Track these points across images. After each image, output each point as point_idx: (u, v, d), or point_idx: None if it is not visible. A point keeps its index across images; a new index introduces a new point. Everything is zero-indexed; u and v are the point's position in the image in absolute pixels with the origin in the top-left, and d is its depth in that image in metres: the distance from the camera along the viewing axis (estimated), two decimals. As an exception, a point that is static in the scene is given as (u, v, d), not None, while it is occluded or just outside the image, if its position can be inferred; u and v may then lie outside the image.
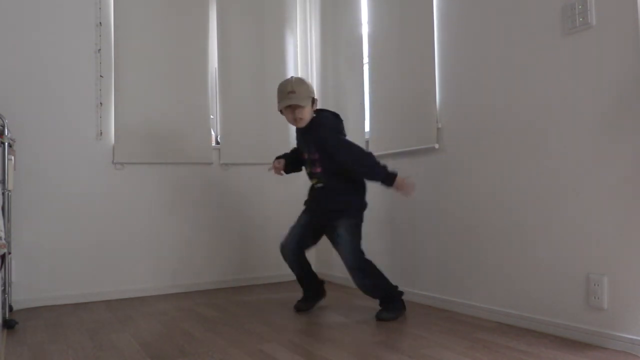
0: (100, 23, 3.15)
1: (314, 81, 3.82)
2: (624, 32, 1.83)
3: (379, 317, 2.39)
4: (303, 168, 2.71)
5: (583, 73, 1.97)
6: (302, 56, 3.84)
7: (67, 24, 3.06)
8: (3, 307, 2.42)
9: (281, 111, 2.56)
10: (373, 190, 3.21)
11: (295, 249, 2.62)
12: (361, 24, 3.26)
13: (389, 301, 2.46)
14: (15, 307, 2.79)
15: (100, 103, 3.13)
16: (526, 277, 2.19)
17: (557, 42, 2.06)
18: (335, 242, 2.53)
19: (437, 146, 2.65)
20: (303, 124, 2.51)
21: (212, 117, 3.49)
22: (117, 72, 3.17)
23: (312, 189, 2.65)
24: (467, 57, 2.49)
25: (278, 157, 2.76)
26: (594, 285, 1.92)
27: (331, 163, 2.48)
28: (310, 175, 2.63)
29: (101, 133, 3.13)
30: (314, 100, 2.52)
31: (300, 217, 2.68)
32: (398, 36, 2.91)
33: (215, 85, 3.52)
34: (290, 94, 2.44)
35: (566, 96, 2.03)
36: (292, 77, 2.58)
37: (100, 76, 3.14)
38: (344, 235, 2.47)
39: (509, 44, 2.28)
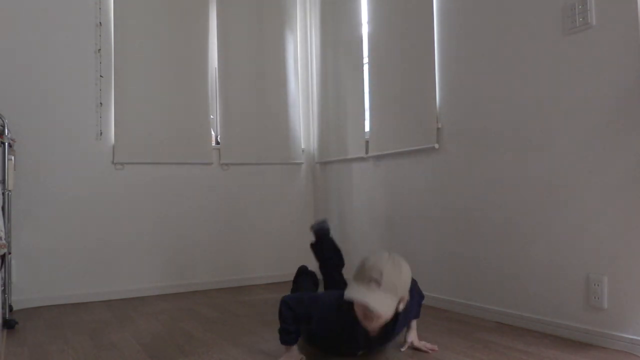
0: (100, 23, 3.15)
1: (313, 81, 3.82)
2: (624, 32, 1.83)
3: None
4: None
5: (583, 73, 1.97)
6: (302, 56, 3.84)
7: (67, 24, 3.06)
8: (3, 307, 2.42)
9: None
10: (372, 190, 3.21)
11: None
12: (361, 24, 3.26)
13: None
14: (15, 307, 2.79)
15: (100, 103, 3.13)
16: (526, 277, 2.19)
17: (557, 42, 2.06)
18: None
19: (437, 146, 2.65)
20: (376, 326, 1.69)
21: (212, 117, 3.49)
22: (117, 72, 3.17)
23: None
24: (467, 57, 2.49)
25: (284, 342, 1.81)
26: (594, 285, 1.92)
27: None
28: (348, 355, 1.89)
29: (101, 133, 3.13)
30: (401, 300, 1.68)
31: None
32: (398, 36, 2.91)
33: (215, 85, 3.52)
34: (374, 283, 1.61)
35: (566, 96, 2.03)
36: (391, 255, 1.69)
37: (100, 76, 3.14)
38: None
39: (509, 44, 2.28)
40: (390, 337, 1.81)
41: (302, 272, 2.61)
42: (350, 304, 1.69)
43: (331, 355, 1.88)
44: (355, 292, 1.62)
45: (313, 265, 2.73)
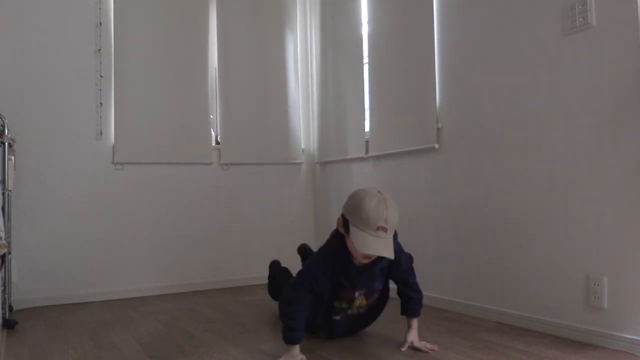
0: (100, 23, 3.15)
1: (313, 81, 3.82)
2: (624, 32, 1.83)
3: None
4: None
5: (583, 73, 1.97)
6: (302, 56, 3.84)
7: (67, 24, 3.06)
8: (3, 307, 2.42)
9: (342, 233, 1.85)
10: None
11: None
12: (361, 24, 3.26)
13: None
14: (15, 307, 2.79)
15: (100, 103, 3.13)
16: (526, 277, 2.19)
17: (557, 42, 2.07)
18: None
19: (437, 146, 2.65)
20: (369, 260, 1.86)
21: (212, 117, 3.49)
22: (117, 72, 3.17)
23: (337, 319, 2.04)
24: (467, 57, 2.49)
25: (290, 341, 1.81)
26: (594, 285, 1.92)
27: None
28: (348, 307, 2.00)
29: (101, 133, 3.13)
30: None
31: None
32: (398, 36, 2.91)
33: (215, 85, 3.52)
34: (381, 230, 1.74)
35: (566, 96, 2.03)
36: (381, 194, 1.79)
37: (100, 76, 3.14)
38: None
39: (508, 44, 2.28)
40: (376, 268, 1.92)
41: (277, 269, 2.62)
42: (341, 242, 1.85)
43: (330, 314, 1.99)
44: (368, 244, 1.73)
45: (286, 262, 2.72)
